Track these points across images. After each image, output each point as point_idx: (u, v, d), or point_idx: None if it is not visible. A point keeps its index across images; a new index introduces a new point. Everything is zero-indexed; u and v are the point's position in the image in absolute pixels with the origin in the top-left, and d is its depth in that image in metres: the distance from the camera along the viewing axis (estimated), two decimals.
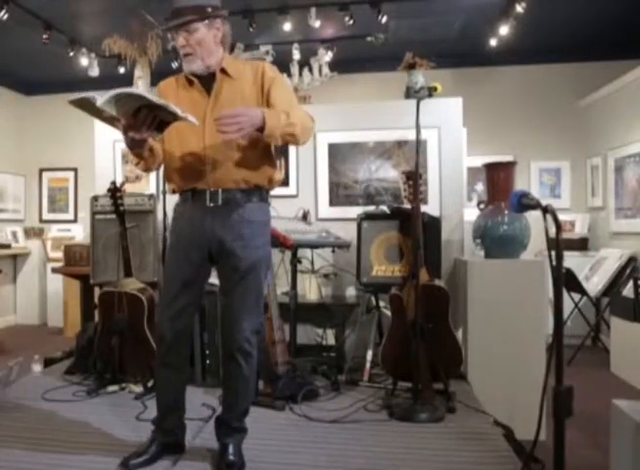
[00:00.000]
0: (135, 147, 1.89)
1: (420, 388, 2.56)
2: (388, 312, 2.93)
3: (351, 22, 4.66)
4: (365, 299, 3.37)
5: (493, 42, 5.17)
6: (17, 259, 6.54)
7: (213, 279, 2.28)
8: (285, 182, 3.91)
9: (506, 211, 3.09)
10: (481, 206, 3.27)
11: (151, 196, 3.42)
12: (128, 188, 3.39)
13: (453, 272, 3.51)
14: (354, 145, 3.83)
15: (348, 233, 3.41)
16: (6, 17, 4.36)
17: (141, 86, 4.24)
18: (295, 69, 5.27)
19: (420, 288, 2.57)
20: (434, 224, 3.17)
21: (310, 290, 3.54)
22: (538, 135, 5.80)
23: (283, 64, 5.28)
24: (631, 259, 4.71)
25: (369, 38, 5.05)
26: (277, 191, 3.78)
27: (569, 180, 5.86)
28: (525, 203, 1.62)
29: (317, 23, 4.72)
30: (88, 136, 4.15)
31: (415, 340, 2.56)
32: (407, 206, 2.90)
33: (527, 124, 5.82)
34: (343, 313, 3.50)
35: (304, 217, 3.52)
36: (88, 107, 1.71)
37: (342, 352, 3.39)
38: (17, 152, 6.88)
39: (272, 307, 2.82)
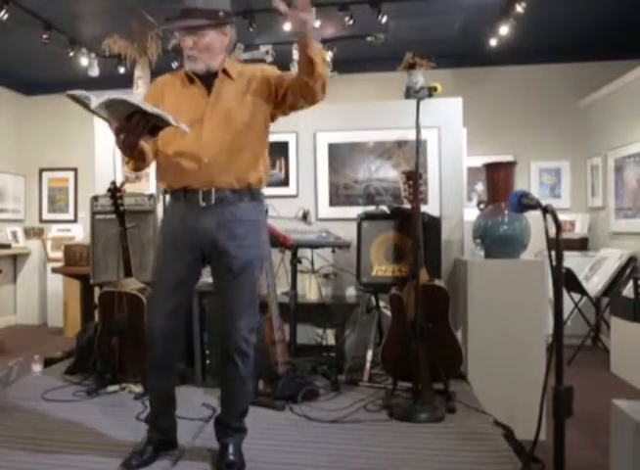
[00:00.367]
0: (126, 149, 1.89)
1: (420, 388, 2.56)
2: (388, 312, 2.93)
3: (351, 22, 4.66)
4: (365, 299, 3.37)
5: (493, 42, 5.17)
6: (17, 259, 6.54)
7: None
8: (285, 182, 3.92)
9: (506, 211, 3.09)
10: (481, 206, 3.27)
11: (151, 196, 3.42)
12: (128, 188, 3.39)
13: (453, 272, 3.51)
14: (354, 145, 3.83)
15: (348, 233, 3.41)
16: (6, 17, 4.37)
17: (141, 86, 4.25)
18: (295, 68, 5.27)
19: (420, 288, 2.57)
20: (434, 224, 3.17)
21: (310, 290, 3.54)
22: (538, 135, 5.81)
23: (283, 64, 5.30)
24: (631, 259, 4.71)
25: (369, 38, 5.05)
26: (277, 191, 3.85)
27: (569, 180, 5.86)
28: (525, 203, 1.62)
29: (317, 23, 4.71)
30: (88, 136, 4.15)
31: (415, 340, 2.56)
32: (407, 206, 2.90)
33: (527, 124, 5.82)
34: (343, 313, 3.50)
35: (304, 217, 3.52)
36: (83, 104, 1.71)
37: (342, 352, 3.39)
38: (17, 152, 6.88)
39: (272, 307, 2.82)
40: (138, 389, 2.90)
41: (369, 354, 3.10)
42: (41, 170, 6.98)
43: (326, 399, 2.82)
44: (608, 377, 4.12)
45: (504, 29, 4.83)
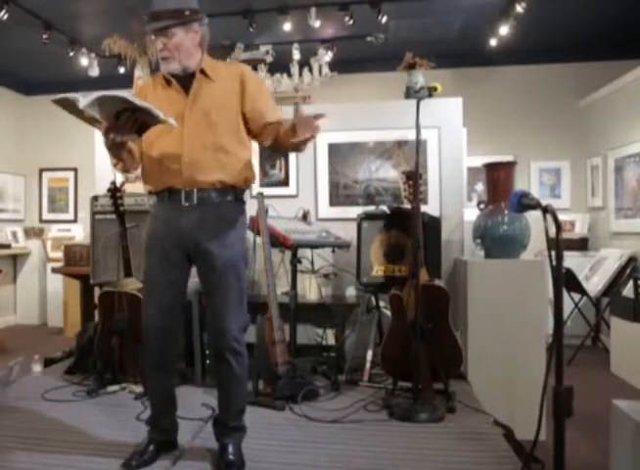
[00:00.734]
0: (115, 149, 1.89)
1: (420, 388, 2.56)
2: (388, 312, 2.93)
3: (351, 22, 4.66)
4: (365, 299, 3.37)
5: (493, 42, 5.17)
6: (17, 259, 6.54)
7: None
8: (285, 182, 3.92)
9: (506, 211, 3.09)
10: (481, 206, 3.27)
11: None
12: (128, 188, 3.39)
13: (453, 272, 3.51)
14: (354, 145, 3.83)
15: (348, 233, 3.42)
16: (6, 17, 4.37)
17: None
18: (295, 69, 5.28)
19: (420, 288, 2.57)
20: (434, 224, 3.17)
21: (310, 290, 3.54)
22: (538, 135, 5.81)
23: (283, 64, 5.31)
24: (631, 259, 4.71)
25: (369, 38, 5.05)
26: (277, 191, 3.85)
27: (569, 180, 5.86)
28: (525, 203, 1.62)
29: (317, 23, 4.72)
30: (88, 136, 4.15)
31: (415, 340, 2.56)
32: (407, 206, 2.90)
33: (527, 124, 5.82)
34: (343, 313, 3.50)
35: (304, 217, 3.52)
36: (70, 107, 1.70)
37: (342, 352, 3.39)
38: (17, 152, 6.88)
39: (272, 307, 2.82)
40: (138, 389, 2.90)
41: (369, 354, 3.10)
42: (41, 170, 6.98)
43: (326, 399, 2.82)
44: (608, 377, 4.12)
45: (504, 29, 4.83)
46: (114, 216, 3.17)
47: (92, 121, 1.79)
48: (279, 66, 5.27)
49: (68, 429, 2.40)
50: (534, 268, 3.01)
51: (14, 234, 6.51)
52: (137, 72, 4.33)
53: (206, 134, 1.98)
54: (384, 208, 3.35)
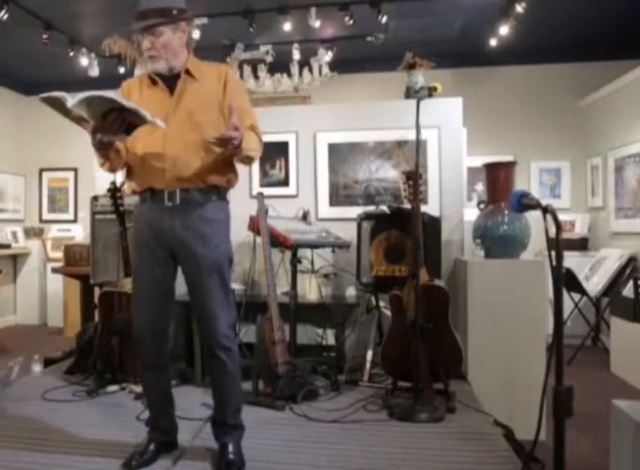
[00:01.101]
0: (102, 148, 1.89)
1: (420, 388, 2.56)
2: (388, 312, 2.93)
3: (351, 22, 4.65)
4: (365, 299, 3.37)
5: (493, 42, 5.17)
6: (17, 259, 6.54)
7: None
8: (285, 182, 3.92)
9: (506, 211, 3.09)
10: (481, 206, 3.27)
11: None
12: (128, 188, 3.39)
13: (453, 272, 3.51)
14: (354, 145, 3.83)
15: (348, 233, 3.42)
16: (6, 17, 4.36)
17: None
18: (295, 69, 5.28)
19: (420, 288, 2.57)
20: (434, 224, 3.17)
21: (310, 290, 3.54)
22: (538, 135, 5.81)
23: (283, 64, 5.31)
24: (631, 259, 4.71)
25: (369, 38, 5.05)
26: (277, 191, 3.85)
27: (569, 180, 5.86)
28: (525, 203, 1.62)
29: (317, 23, 4.71)
30: (88, 136, 4.14)
31: (415, 340, 2.56)
32: (407, 206, 2.90)
33: (527, 124, 5.82)
34: (343, 313, 3.50)
35: (304, 217, 3.52)
36: (58, 106, 1.70)
37: (342, 352, 3.39)
38: (17, 152, 6.88)
39: (272, 307, 2.82)
40: (138, 389, 2.89)
41: (369, 354, 3.10)
42: (41, 170, 6.98)
43: (326, 399, 2.82)
44: (608, 377, 4.12)
45: (504, 29, 4.83)
46: (114, 216, 3.17)
47: (80, 121, 1.79)
48: (279, 66, 5.27)
49: (69, 429, 2.40)
50: (534, 268, 3.01)
51: (14, 234, 6.51)
52: (137, 72, 4.33)
53: (190, 134, 1.97)
54: (384, 208, 3.35)
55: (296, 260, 3.17)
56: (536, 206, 1.58)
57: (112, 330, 3.01)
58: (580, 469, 2.49)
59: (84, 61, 5.44)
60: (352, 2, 4.58)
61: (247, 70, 5.31)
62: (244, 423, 2.14)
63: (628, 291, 4.07)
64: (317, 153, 3.88)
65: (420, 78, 3.62)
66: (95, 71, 5.52)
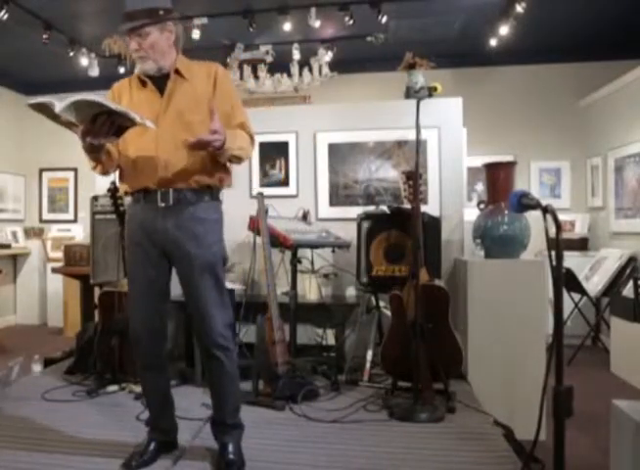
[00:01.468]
0: (92, 152, 1.89)
1: (420, 388, 2.56)
2: (389, 312, 2.93)
3: (351, 22, 4.66)
4: (365, 299, 3.37)
5: (493, 42, 5.17)
6: (17, 259, 6.54)
7: None
8: (285, 182, 3.92)
9: (506, 211, 3.09)
10: (481, 206, 3.27)
11: None
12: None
13: (453, 272, 3.51)
14: (354, 145, 3.83)
15: (348, 233, 3.42)
16: (6, 17, 4.36)
17: None
18: (295, 69, 5.28)
19: (420, 288, 2.57)
20: (433, 224, 3.17)
21: (310, 290, 3.54)
22: (538, 135, 5.80)
23: (283, 64, 5.31)
24: (631, 259, 4.71)
25: (369, 38, 5.05)
26: (277, 191, 3.85)
27: (569, 180, 5.86)
28: (525, 203, 1.62)
29: (317, 23, 4.71)
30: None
31: (415, 340, 2.56)
32: (407, 206, 2.90)
33: (527, 124, 5.82)
34: (343, 313, 3.50)
35: (304, 217, 3.52)
36: (47, 111, 1.70)
37: (343, 352, 3.39)
38: (17, 152, 6.88)
39: (272, 307, 2.82)
40: (138, 389, 2.89)
41: (369, 354, 3.10)
42: (41, 170, 6.98)
43: (326, 399, 2.82)
44: (608, 377, 4.12)
45: (504, 29, 4.83)
46: (113, 216, 3.17)
47: (69, 125, 1.79)
48: (279, 66, 5.28)
49: (68, 429, 2.40)
50: (534, 268, 3.01)
51: (14, 234, 6.51)
52: (136, 72, 4.33)
53: (181, 134, 1.96)
54: (384, 208, 3.35)
55: (296, 260, 3.17)
56: (536, 206, 1.58)
57: (112, 330, 3.01)
58: (580, 469, 2.49)
59: (84, 61, 5.44)
60: (352, 2, 4.58)
61: (247, 70, 5.31)
62: (243, 422, 2.14)
63: (628, 291, 4.07)
64: (317, 153, 3.88)
65: (420, 78, 3.62)
66: (95, 71, 5.53)
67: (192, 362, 3.17)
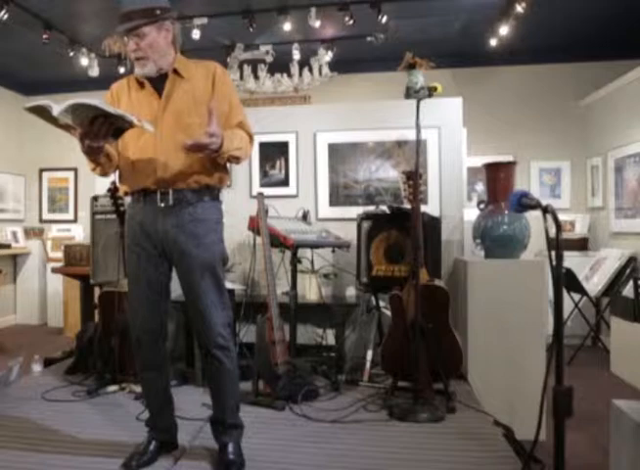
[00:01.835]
0: (91, 154, 1.88)
1: (420, 388, 2.56)
2: (389, 312, 2.93)
3: (351, 22, 4.65)
4: (365, 299, 3.37)
5: (493, 42, 5.17)
6: (17, 259, 6.54)
7: None
8: (285, 182, 3.92)
9: (506, 211, 3.09)
10: (481, 206, 3.27)
11: None
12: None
13: (453, 272, 3.51)
14: (354, 145, 3.83)
15: (348, 233, 3.42)
16: (6, 17, 4.36)
17: None
18: (295, 69, 5.28)
19: (420, 288, 2.57)
20: (433, 224, 3.17)
21: (310, 290, 3.54)
22: (538, 135, 5.80)
23: (283, 64, 5.31)
24: (631, 259, 4.71)
25: (369, 38, 5.05)
26: (277, 191, 3.85)
27: (569, 180, 5.86)
28: (525, 203, 1.62)
29: (317, 23, 4.71)
30: None
31: (415, 340, 2.56)
32: (407, 206, 2.90)
33: (528, 124, 5.82)
34: (343, 313, 3.50)
35: (304, 217, 3.52)
36: (44, 114, 1.70)
37: (343, 352, 3.39)
38: (17, 152, 6.88)
39: (272, 307, 2.82)
40: (138, 389, 2.89)
41: (369, 354, 3.10)
42: (41, 170, 6.98)
43: (326, 398, 2.82)
44: (608, 377, 4.12)
45: (504, 29, 4.83)
46: (114, 216, 3.17)
47: (67, 128, 1.79)
48: (279, 66, 5.27)
49: (68, 429, 2.40)
50: (534, 268, 3.01)
51: (14, 234, 6.50)
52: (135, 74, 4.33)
53: (180, 135, 1.96)
54: (384, 208, 3.35)
55: (296, 260, 3.17)
56: (536, 206, 1.58)
57: (112, 330, 3.01)
58: (580, 469, 2.49)
59: (84, 61, 5.44)
60: (352, 2, 4.58)
61: (247, 70, 5.31)
62: (243, 423, 2.14)
63: (628, 291, 4.07)
64: (317, 153, 3.88)
65: (420, 78, 3.62)
66: (95, 71, 5.52)
67: (192, 362, 3.17)
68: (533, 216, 2.27)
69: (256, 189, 3.80)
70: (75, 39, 5.25)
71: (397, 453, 2.16)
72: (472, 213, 3.49)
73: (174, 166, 1.97)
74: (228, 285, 2.32)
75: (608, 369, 4.24)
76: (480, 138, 5.25)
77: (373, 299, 3.31)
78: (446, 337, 2.72)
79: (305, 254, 3.48)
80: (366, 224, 3.26)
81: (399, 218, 3.12)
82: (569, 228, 5.58)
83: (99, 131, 1.77)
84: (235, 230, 3.41)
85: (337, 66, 5.36)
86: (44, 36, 4.81)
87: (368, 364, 3.07)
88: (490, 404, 2.68)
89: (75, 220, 6.89)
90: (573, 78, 5.77)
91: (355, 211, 3.44)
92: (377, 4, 4.55)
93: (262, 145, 3.85)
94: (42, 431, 2.38)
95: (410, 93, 3.61)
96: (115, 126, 1.80)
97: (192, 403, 2.68)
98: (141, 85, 2.05)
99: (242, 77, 5.32)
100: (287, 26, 4.85)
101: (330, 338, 3.54)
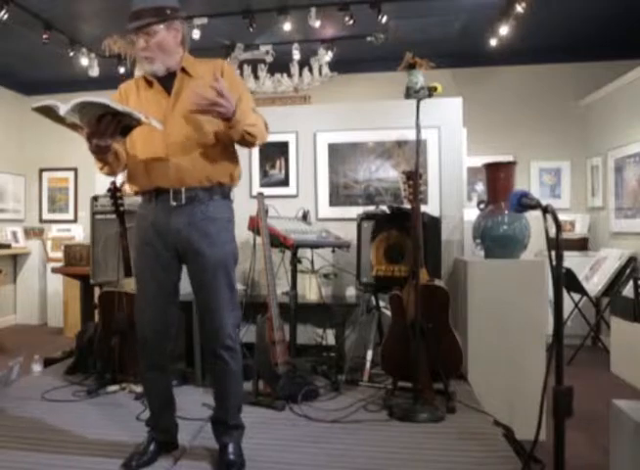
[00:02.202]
0: (99, 153, 1.88)
1: (420, 388, 2.56)
2: (389, 312, 2.93)
3: (351, 22, 4.65)
4: (365, 299, 3.37)
5: (493, 42, 5.17)
6: (17, 259, 6.54)
7: None
8: (285, 182, 3.92)
9: (506, 211, 3.09)
10: (481, 206, 3.27)
11: None
12: (128, 188, 3.39)
13: (453, 272, 3.51)
14: (354, 145, 3.83)
15: (348, 233, 3.42)
16: (6, 17, 4.36)
17: None
18: (295, 69, 5.28)
19: (420, 288, 2.57)
20: (433, 224, 3.17)
21: (310, 290, 3.54)
22: (538, 135, 5.80)
23: (283, 64, 5.31)
24: (631, 259, 4.71)
25: (369, 38, 5.05)
26: (277, 191, 3.85)
27: (569, 180, 5.86)
28: (525, 203, 1.62)
29: (317, 23, 4.71)
30: None
31: (415, 340, 2.56)
32: (407, 206, 2.90)
33: (528, 124, 5.82)
34: (343, 313, 3.50)
35: (304, 217, 3.52)
36: (51, 114, 1.70)
37: (343, 352, 3.39)
38: (17, 152, 6.88)
39: (272, 307, 2.82)
40: (138, 389, 2.89)
41: (369, 354, 3.10)
42: (41, 170, 6.98)
43: (326, 398, 2.82)
44: (608, 377, 4.12)
45: (504, 29, 4.83)
46: (114, 216, 3.17)
47: (74, 127, 1.79)
48: (279, 66, 5.27)
49: (69, 429, 2.40)
50: (534, 268, 3.01)
51: (14, 234, 6.50)
52: (137, 72, 4.33)
53: (190, 133, 1.97)
54: (384, 208, 3.35)
55: (296, 260, 3.17)
56: (536, 206, 1.58)
57: (112, 330, 3.01)
58: (580, 469, 2.49)
59: (84, 61, 5.44)
60: (352, 2, 4.58)
61: (247, 69, 5.31)
62: (244, 423, 2.14)
63: (628, 291, 4.07)
64: (317, 153, 3.88)
65: (420, 78, 3.62)
66: (95, 71, 5.52)
67: (192, 362, 3.17)
68: (533, 216, 2.27)
69: (256, 189, 3.80)
70: (75, 39, 5.25)
71: (397, 453, 2.16)
72: (472, 213, 3.50)
73: (185, 164, 1.97)
74: None
75: (608, 369, 4.24)
76: (479, 138, 5.25)
77: (373, 299, 3.31)
78: (446, 337, 2.72)
79: (305, 254, 3.48)
80: (366, 224, 3.26)
81: (399, 218, 3.12)
82: (569, 228, 5.58)
83: (106, 129, 1.77)
84: (235, 230, 3.41)
85: (337, 66, 5.36)
86: (44, 36, 4.81)
87: (368, 364, 3.07)
88: (490, 404, 2.68)
89: (75, 220, 6.89)
90: (573, 78, 5.77)
91: (355, 211, 3.44)
92: (377, 4, 4.55)
93: (262, 145, 3.84)
94: (42, 431, 2.38)
95: (410, 93, 3.61)
96: (123, 124, 1.79)
97: (192, 403, 2.69)
98: (149, 84, 2.05)
99: (242, 77, 5.32)
100: (287, 26, 4.85)
101: (330, 338, 3.54)
